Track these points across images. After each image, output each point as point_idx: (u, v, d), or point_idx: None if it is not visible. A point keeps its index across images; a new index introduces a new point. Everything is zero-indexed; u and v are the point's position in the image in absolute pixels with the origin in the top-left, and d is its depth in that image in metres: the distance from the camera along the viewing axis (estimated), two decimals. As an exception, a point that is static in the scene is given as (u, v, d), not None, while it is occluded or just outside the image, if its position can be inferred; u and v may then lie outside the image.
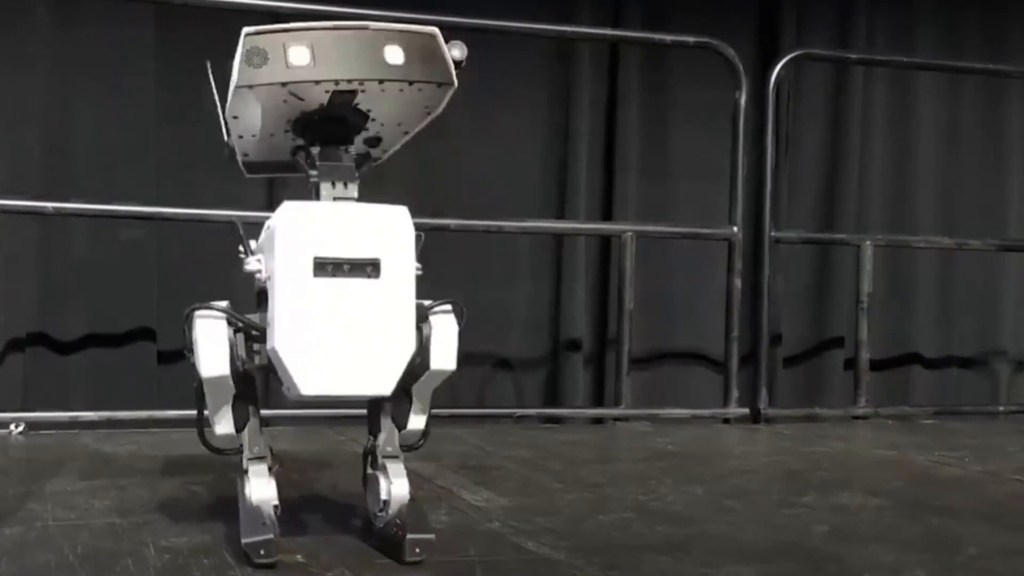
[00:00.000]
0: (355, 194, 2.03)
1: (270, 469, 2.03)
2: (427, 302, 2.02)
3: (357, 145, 2.13)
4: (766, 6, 5.01)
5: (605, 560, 2.04)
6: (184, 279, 4.10)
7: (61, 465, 2.86)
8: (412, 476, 2.04)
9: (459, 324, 2.03)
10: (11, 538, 2.08)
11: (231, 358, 1.95)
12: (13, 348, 3.96)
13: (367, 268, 1.90)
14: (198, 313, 1.96)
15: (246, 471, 2.01)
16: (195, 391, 2.04)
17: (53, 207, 3.68)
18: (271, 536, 1.91)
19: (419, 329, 1.99)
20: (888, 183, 5.17)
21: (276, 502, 1.99)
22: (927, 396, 5.13)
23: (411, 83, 2.00)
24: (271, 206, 3.88)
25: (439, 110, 2.08)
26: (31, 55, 4.00)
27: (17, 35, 3.98)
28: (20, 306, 4.00)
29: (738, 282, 4.31)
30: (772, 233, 4.45)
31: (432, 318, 2.01)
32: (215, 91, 2.11)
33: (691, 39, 4.36)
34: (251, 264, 1.99)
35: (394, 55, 1.97)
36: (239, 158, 2.22)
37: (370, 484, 2.07)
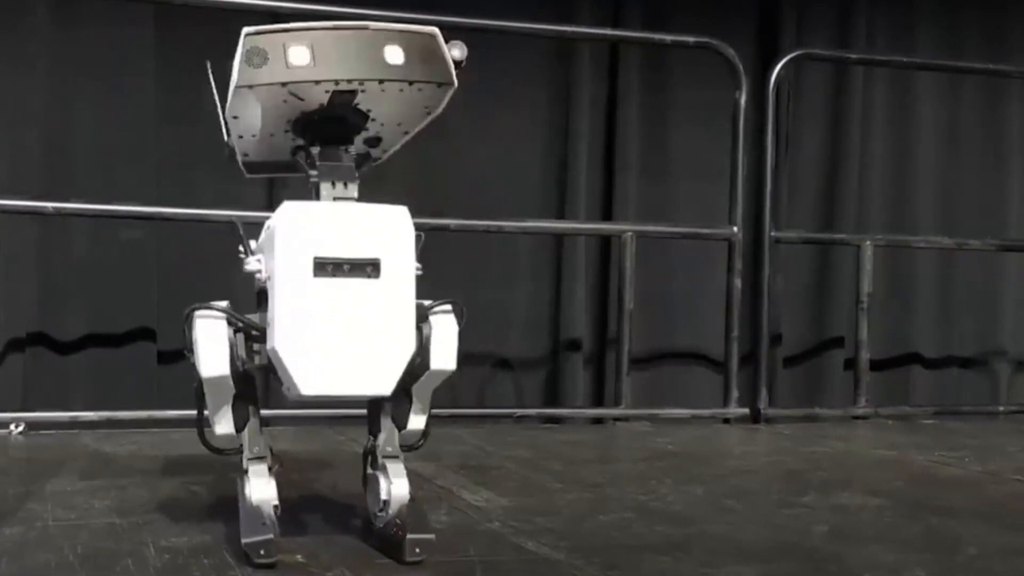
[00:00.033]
0: (355, 194, 2.03)
1: (270, 469, 2.03)
2: (427, 302, 2.02)
3: (357, 145, 2.13)
4: (766, 6, 5.01)
5: (605, 560, 2.04)
6: (184, 279, 4.10)
7: (61, 465, 2.86)
8: (412, 476, 2.04)
9: (459, 324, 2.03)
10: (11, 538, 2.08)
11: (231, 358, 1.95)
12: (13, 348, 3.96)
13: (367, 268, 1.90)
14: (198, 313, 1.96)
15: (246, 471, 2.01)
16: (195, 391, 2.04)
17: (53, 207, 3.68)
18: (271, 536, 1.91)
19: (419, 329, 1.99)
20: (888, 183, 5.18)
21: (276, 502, 1.98)
22: (927, 396, 5.13)
23: (411, 83, 2.00)
24: (271, 206, 3.88)
25: (439, 110, 2.09)
26: (31, 55, 4.00)
27: (17, 35, 3.98)
28: (20, 306, 4.00)
29: (738, 282, 4.31)
30: (772, 233, 4.45)
31: (432, 318, 2.01)
32: (215, 91, 2.11)
33: (691, 39, 4.36)
34: (251, 264, 1.99)
35: (394, 55, 1.97)
36: (239, 158, 2.22)
37: (370, 484, 2.07)
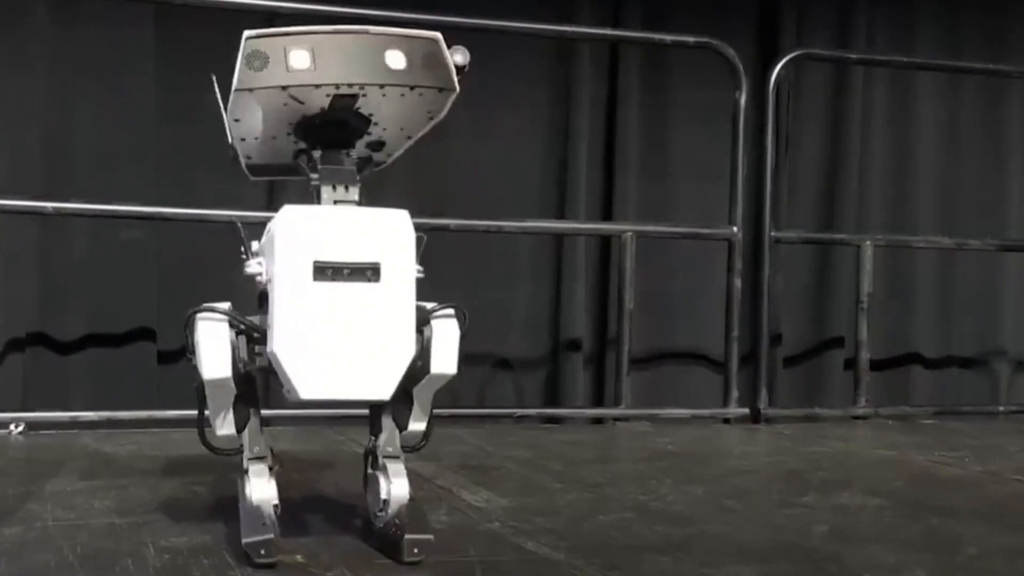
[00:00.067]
0: (356, 197, 2.02)
1: (270, 469, 2.03)
2: (429, 305, 2.02)
3: (360, 149, 2.13)
4: (766, 6, 5.00)
5: (605, 560, 2.04)
6: (184, 279, 4.10)
7: (61, 465, 2.86)
8: (412, 476, 2.04)
9: (461, 328, 2.03)
10: (11, 538, 2.08)
11: (233, 360, 1.95)
12: (13, 348, 3.96)
13: (367, 272, 1.90)
14: (200, 315, 1.96)
15: (246, 471, 2.02)
16: (196, 392, 2.04)
17: (53, 207, 3.68)
18: (271, 536, 1.91)
19: (420, 332, 1.98)
20: (888, 183, 5.17)
21: (276, 502, 1.99)
22: (927, 396, 5.13)
23: (412, 88, 1.99)
24: (271, 206, 3.91)
25: (442, 115, 2.08)
26: (31, 55, 4.00)
27: (17, 35, 3.98)
28: (20, 306, 4.00)
29: (738, 282, 4.31)
30: (772, 233, 4.45)
31: (434, 322, 2.01)
32: (219, 95, 2.10)
33: (691, 39, 4.36)
34: (252, 267, 1.99)
35: (395, 60, 1.97)
36: (242, 160, 2.22)
37: (370, 484, 2.07)
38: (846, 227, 4.94)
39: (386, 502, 2.00)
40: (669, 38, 4.44)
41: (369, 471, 2.09)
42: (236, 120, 2.05)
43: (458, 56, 2.03)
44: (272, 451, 2.09)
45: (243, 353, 1.98)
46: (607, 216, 4.77)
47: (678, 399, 4.60)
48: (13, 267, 3.94)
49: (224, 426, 2.04)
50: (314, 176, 2.04)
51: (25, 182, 3.91)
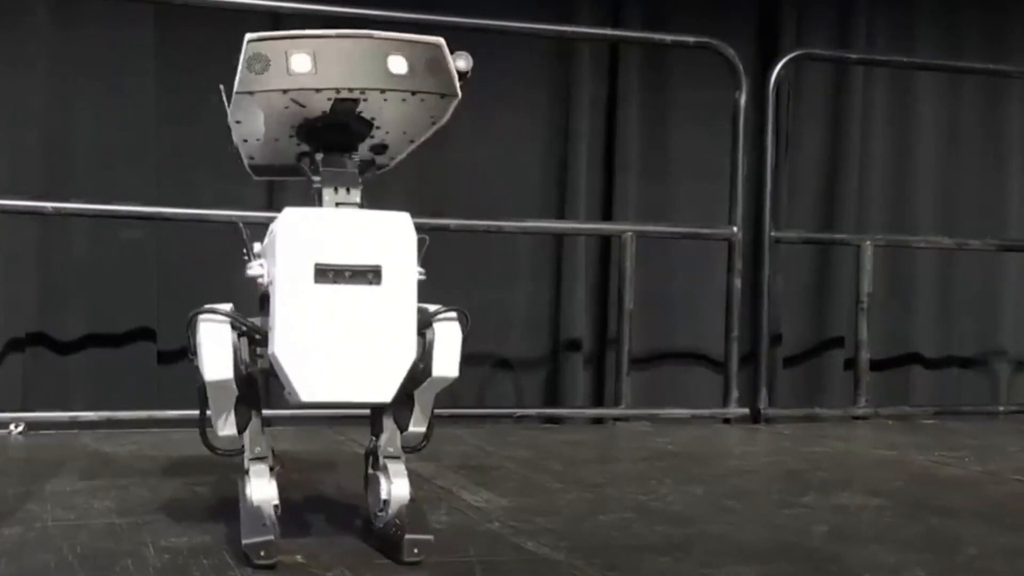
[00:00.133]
0: (358, 200, 2.02)
1: (271, 469, 2.03)
2: (432, 307, 2.02)
3: (362, 152, 2.12)
4: (766, 6, 5.01)
5: (605, 560, 2.04)
6: (184, 279, 4.10)
7: (61, 465, 2.86)
8: (412, 476, 2.04)
9: (463, 331, 2.03)
10: (11, 538, 2.08)
11: (234, 362, 1.96)
12: (13, 348, 3.96)
13: (368, 275, 1.90)
14: (202, 317, 1.96)
15: (247, 471, 2.02)
16: (198, 392, 2.04)
17: (53, 207, 3.68)
18: (271, 537, 1.91)
19: (422, 335, 1.98)
20: (888, 183, 5.17)
21: (277, 502, 1.99)
22: (927, 396, 5.13)
23: (414, 93, 1.99)
24: (271, 206, 3.92)
25: (444, 120, 2.08)
26: (31, 55, 4.00)
27: (17, 35, 3.98)
28: (20, 306, 4.00)
29: (738, 282, 4.31)
30: (772, 233, 4.46)
31: (436, 324, 2.01)
32: (226, 104, 2.10)
33: (691, 39, 4.36)
34: (253, 269, 1.99)
35: (397, 65, 1.97)
36: (245, 161, 2.22)
37: (371, 484, 2.07)
38: (846, 227, 4.94)
39: (386, 502, 2.00)
40: (669, 38, 4.44)
41: (370, 471, 2.09)
42: (238, 122, 2.05)
43: (461, 62, 2.03)
44: (273, 451, 2.09)
45: (245, 355, 1.98)
46: (607, 216, 4.77)
47: (678, 399, 4.60)
48: (13, 267, 3.94)
49: (226, 427, 2.04)
50: (316, 179, 2.04)
51: (25, 182, 3.91)
